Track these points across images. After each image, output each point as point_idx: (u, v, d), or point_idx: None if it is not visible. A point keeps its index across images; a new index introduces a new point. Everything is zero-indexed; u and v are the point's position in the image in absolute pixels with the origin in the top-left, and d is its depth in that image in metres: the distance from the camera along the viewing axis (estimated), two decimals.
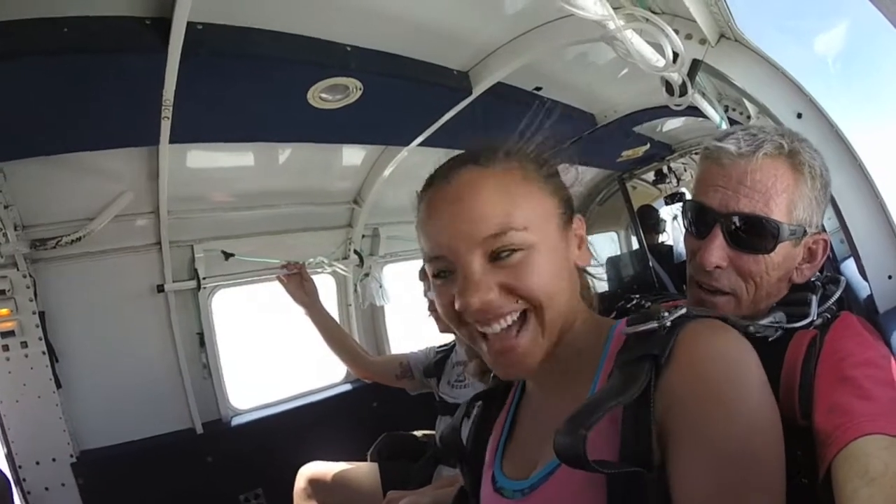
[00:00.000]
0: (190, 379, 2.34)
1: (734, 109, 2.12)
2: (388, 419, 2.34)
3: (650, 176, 3.97)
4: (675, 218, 4.01)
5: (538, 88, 2.06)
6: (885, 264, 1.10)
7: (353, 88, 1.62)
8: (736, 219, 0.79)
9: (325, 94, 1.63)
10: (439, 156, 0.71)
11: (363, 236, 2.88)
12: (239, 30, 1.34)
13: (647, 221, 3.98)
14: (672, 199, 4.00)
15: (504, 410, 0.81)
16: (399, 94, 1.75)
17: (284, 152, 2.25)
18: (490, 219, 0.61)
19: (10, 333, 1.92)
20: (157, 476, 2.14)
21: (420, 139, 2.12)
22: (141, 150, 1.84)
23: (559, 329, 0.65)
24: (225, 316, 2.53)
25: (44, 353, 1.97)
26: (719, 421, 0.52)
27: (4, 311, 1.92)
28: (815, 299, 0.78)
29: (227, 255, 2.42)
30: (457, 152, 0.71)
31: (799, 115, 1.20)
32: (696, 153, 3.37)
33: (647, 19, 1.13)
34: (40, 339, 1.97)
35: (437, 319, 1.86)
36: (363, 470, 1.87)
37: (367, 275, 2.90)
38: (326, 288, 2.78)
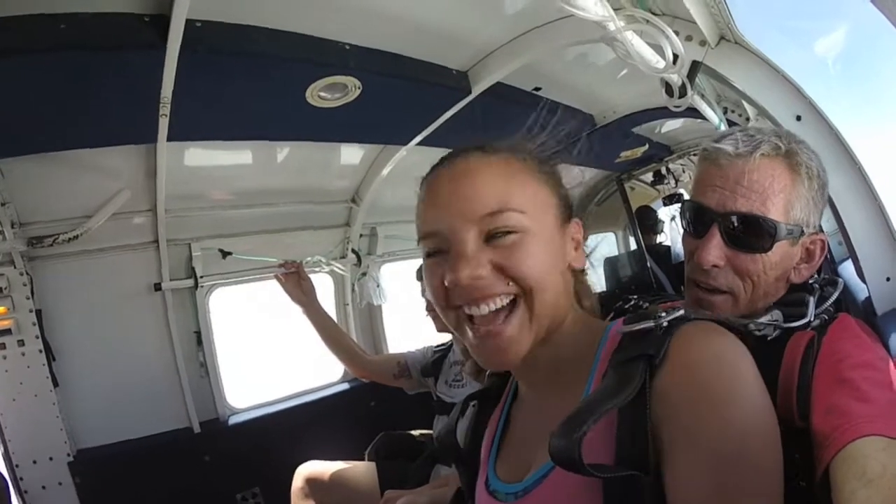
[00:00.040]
0: (187, 378, 2.33)
1: (733, 111, 2.12)
2: (386, 418, 2.33)
3: (649, 177, 3.99)
4: (673, 219, 4.02)
5: (537, 89, 2.06)
6: (883, 266, 1.10)
7: (352, 87, 1.62)
8: (733, 218, 0.80)
9: (324, 93, 1.63)
10: (438, 155, 0.71)
11: (361, 235, 2.87)
12: (237, 27, 1.33)
13: (646, 222, 3.99)
14: (670, 199, 4.01)
15: (497, 411, 0.80)
16: (398, 93, 1.74)
17: (282, 151, 2.24)
18: (489, 197, 0.62)
19: (7, 332, 1.92)
20: (154, 475, 2.14)
21: (418, 138, 2.11)
22: (139, 148, 1.84)
23: (547, 323, 0.64)
24: (222, 315, 2.52)
25: (41, 351, 1.96)
26: (714, 423, 0.52)
27: (1, 309, 1.91)
28: (812, 300, 0.79)
29: (225, 254, 2.41)
30: None
31: (798, 118, 1.20)
32: (694, 154, 3.38)
33: (648, 20, 1.13)
34: (37, 337, 1.96)
35: (435, 319, 1.86)
36: (361, 469, 1.87)
37: (364, 274, 2.90)
38: (324, 287, 2.78)
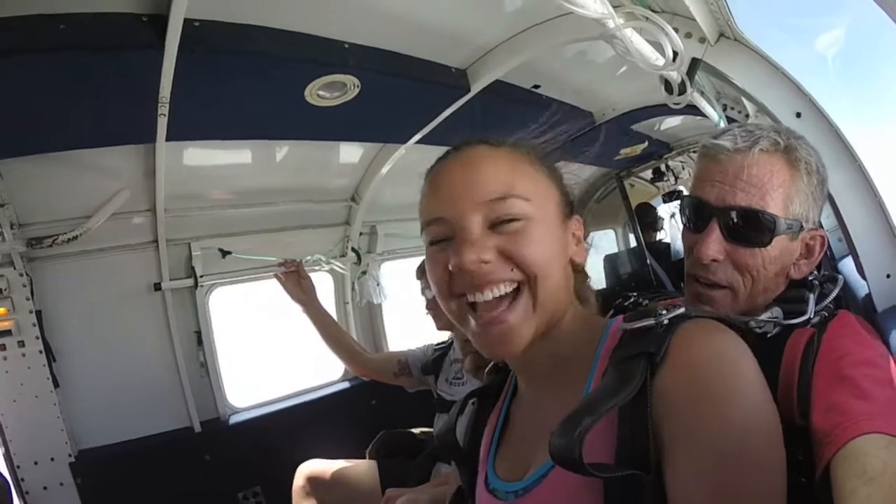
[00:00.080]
0: (188, 377, 2.33)
1: (733, 108, 2.12)
2: (387, 417, 2.34)
3: (648, 174, 3.99)
4: (672, 216, 4.02)
5: (536, 86, 2.05)
6: (883, 263, 1.11)
7: (351, 86, 1.62)
8: (732, 213, 0.80)
9: (323, 92, 1.62)
10: (437, 153, 0.71)
11: (361, 234, 2.87)
12: (236, 26, 1.33)
13: (645, 219, 3.99)
14: (670, 196, 4.01)
15: (496, 409, 0.80)
16: (397, 91, 1.74)
17: (282, 150, 2.24)
18: (494, 184, 0.62)
19: (7, 332, 1.91)
20: (155, 475, 2.14)
21: (418, 137, 2.11)
22: (138, 148, 1.83)
23: (549, 314, 0.64)
24: (222, 314, 2.52)
25: (41, 352, 1.96)
26: (715, 422, 0.52)
27: (1, 310, 1.90)
28: (812, 297, 0.79)
29: (225, 253, 2.41)
30: None
31: (798, 115, 1.21)
32: (694, 151, 3.38)
33: (647, 18, 1.13)
34: (37, 338, 1.96)
35: (435, 317, 1.86)
36: (362, 468, 1.87)
37: (364, 272, 2.90)
38: (324, 286, 2.78)
